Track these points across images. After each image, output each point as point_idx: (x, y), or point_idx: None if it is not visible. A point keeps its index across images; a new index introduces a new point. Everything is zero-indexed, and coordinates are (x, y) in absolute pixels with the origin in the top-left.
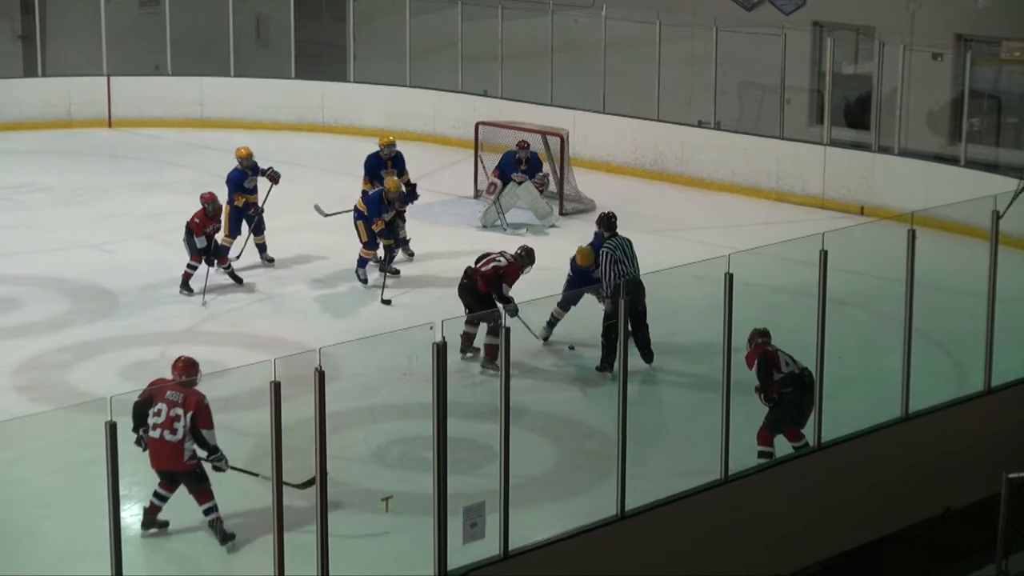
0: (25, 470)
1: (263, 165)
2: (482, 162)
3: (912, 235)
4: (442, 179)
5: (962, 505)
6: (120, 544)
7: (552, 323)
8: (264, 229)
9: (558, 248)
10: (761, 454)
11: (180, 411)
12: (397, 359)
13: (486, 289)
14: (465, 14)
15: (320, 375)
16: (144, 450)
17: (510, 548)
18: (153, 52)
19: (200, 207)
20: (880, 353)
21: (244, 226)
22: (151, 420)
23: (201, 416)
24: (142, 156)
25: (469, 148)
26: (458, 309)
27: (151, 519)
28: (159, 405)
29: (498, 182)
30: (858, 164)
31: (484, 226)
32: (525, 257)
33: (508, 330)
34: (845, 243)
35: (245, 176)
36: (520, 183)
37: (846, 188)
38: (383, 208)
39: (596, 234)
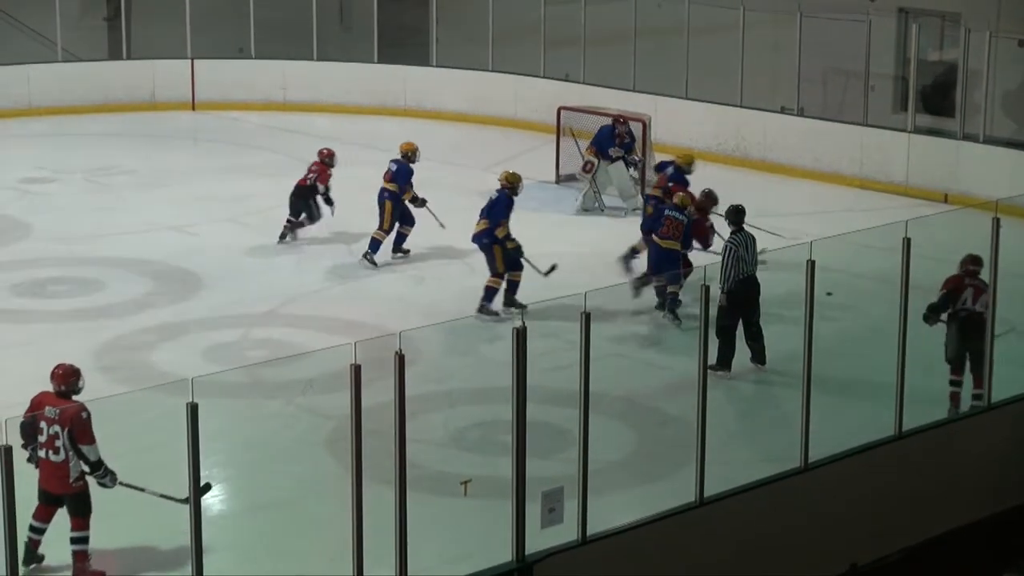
0: (107, 450)
1: (349, 150)
2: (576, 142)
3: (996, 223)
4: (523, 164)
5: None
6: (200, 524)
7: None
8: (413, 223)
9: (639, 233)
10: (951, 382)
11: (58, 428)
12: (477, 343)
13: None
14: None
15: (400, 359)
16: (36, 467)
17: (588, 533)
18: (237, 35)
19: (319, 162)
20: None
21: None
22: (40, 438)
23: (78, 430)
24: (225, 139)
25: (551, 133)
26: (540, 294)
27: (32, 554)
28: (42, 423)
29: (595, 160)
30: (942, 151)
31: (585, 209)
32: (709, 201)
33: (588, 315)
34: (929, 231)
35: (412, 172)
36: (615, 158)
37: (930, 175)
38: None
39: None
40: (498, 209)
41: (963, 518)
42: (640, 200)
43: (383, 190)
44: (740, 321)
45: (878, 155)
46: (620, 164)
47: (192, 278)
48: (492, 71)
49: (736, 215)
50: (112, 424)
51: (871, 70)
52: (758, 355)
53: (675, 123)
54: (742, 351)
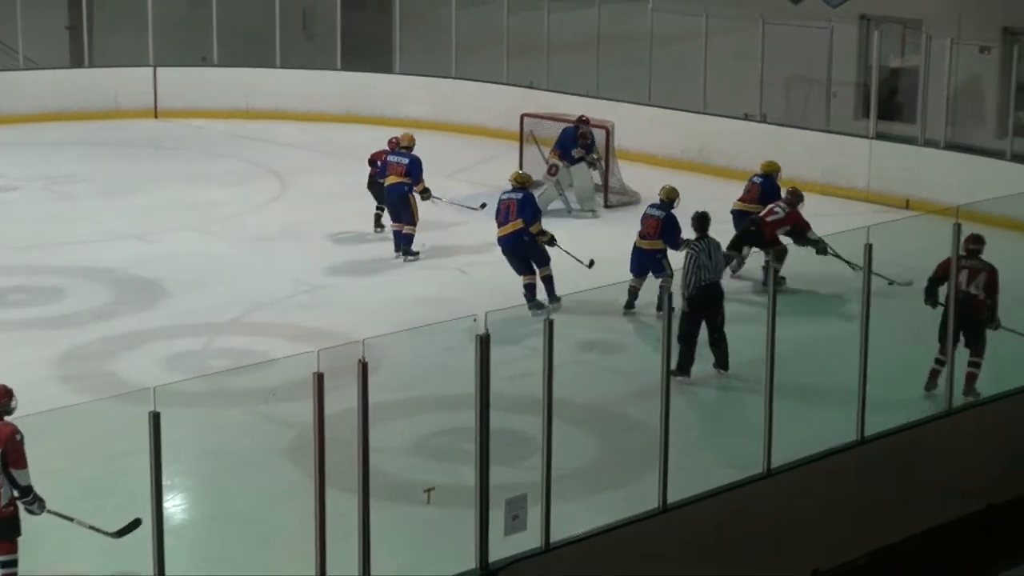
0: (67, 460)
1: (312, 158)
2: (539, 147)
3: (957, 229)
4: (487, 171)
5: (1003, 501)
6: (163, 535)
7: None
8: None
9: (605, 236)
10: (936, 360)
11: None
12: (441, 351)
13: (772, 237)
14: (511, 6)
15: (363, 366)
16: None
17: (552, 540)
18: (199, 43)
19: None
20: (925, 347)
21: None
22: None
23: (10, 453)
24: (188, 147)
25: (514, 140)
26: (502, 300)
27: None
28: None
29: (559, 163)
30: (903, 158)
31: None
32: (795, 198)
33: (552, 322)
34: (890, 237)
35: (422, 162)
36: (577, 159)
37: (891, 181)
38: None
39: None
40: (531, 208)
41: (926, 523)
42: (598, 202)
43: (399, 185)
44: (704, 327)
45: (840, 161)
46: (582, 165)
47: (154, 286)
48: (455, 78)
49: (700, 222)
50: (73, 434)
51: (833, 77)
52: (721, 360)
53: (638, 130)
54: (705, 357)
